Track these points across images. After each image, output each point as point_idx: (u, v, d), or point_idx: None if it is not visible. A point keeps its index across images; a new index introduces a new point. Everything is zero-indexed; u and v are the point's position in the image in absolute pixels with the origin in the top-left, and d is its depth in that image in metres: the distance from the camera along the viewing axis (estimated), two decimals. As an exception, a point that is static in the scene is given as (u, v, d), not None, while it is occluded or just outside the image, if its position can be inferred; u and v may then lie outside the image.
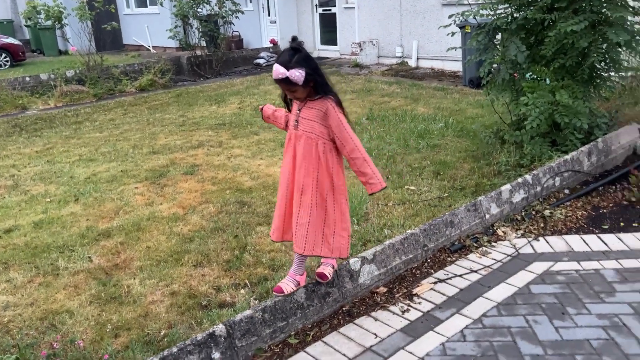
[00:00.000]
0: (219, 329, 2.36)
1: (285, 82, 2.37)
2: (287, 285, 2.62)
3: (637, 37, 4.33)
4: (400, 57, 11.39)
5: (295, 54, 2.35)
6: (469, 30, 7.94)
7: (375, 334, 2.55)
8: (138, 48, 17.36)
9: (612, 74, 4.86)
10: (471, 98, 7.43)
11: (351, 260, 2.92)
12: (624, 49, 4.47)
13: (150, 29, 16.70)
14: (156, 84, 10.59)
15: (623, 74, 5.00)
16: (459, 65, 9.09)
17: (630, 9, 4.49)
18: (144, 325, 2.74)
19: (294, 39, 2.40)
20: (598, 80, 4.79)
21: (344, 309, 2.76)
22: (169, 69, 11.14)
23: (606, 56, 4.52)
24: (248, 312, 2.49)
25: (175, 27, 12.23)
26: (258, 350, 2.45)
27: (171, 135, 6.65)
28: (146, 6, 17.30)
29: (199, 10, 12.00)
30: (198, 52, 12.42)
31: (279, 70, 2.33)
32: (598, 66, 4.67)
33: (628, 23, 4.45)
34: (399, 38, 11.36)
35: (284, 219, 2.62)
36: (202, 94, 9.59)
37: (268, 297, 2.69)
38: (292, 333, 2.57)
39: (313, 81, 2.39)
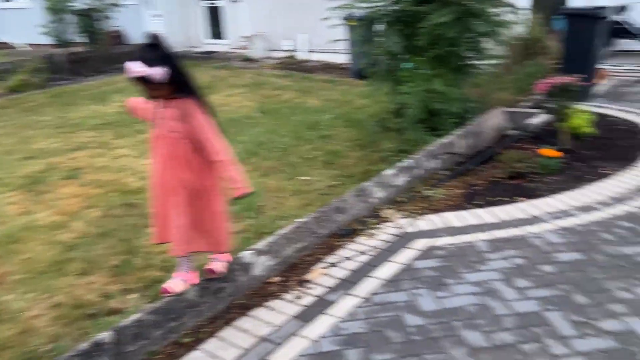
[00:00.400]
0: (106, 335, 2.27)
1: (144, 81, 2.24)
2: (174, 285, 2.57)
3: (497, 28, 4.75)
4: (291, 50, 11.49)
5: (155, 50, 2.25)
6: (355, 23, 8.20)
7: (270, 323, 2.59)
8: (5, 46, 15.86)
9: (481, 61, 5.29)
10: (358, 89, 7.68)
11: (245, 253, 2.94)
12: (488, 38, 4.88)
13: (20, 24, 15.31)
14: (30, 84, 9.74)
15: (491, 61, 5.47)
16: (347, 57, 9.35)
17: (492, 2, 4.91)
18: (25, 342, 2.55)
19: (152, 34, 2.28)
20: (468, 68, 5.19)
21: (238, 302, 2.77)
22: (44, 68, 10.31)
23: (473, 46, 4.92)
24: (137, 315, 2.41)
25: (52, 22, 11.33)
26: (150, 353, 2.39)
27: (49, 138, 6.19)
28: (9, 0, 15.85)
29: (74, 4, 11.22)
30: (76, 49, 11.61)
31: (135, 68, 2.19)
32: (467, 55, 5.05)
33: (491, 14, 4.85)
34: (288, 31, 11.44)
35: (160, 221, 2.54)
36: (82, 93, 9.00)
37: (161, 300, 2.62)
38: (186, 332, 2.54)
39: (174, 80, 2.29)
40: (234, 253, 2.92)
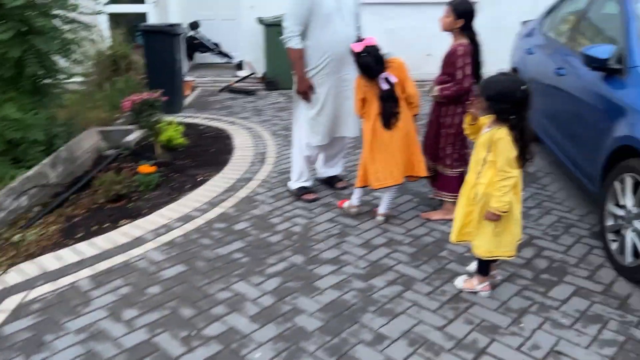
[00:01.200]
0: None
1: None
2: None
3: (69, 45, 4.48)
4: None
5: None
6: None
7: None
8: None
9: (63, 81, 4.91)
10: None
11: None
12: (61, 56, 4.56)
13: None
14: None
15: (75, 79, 5.14)
16: None
17: (61, 18, 4.57)
18: None
19: None
20: (48, 89, 4.73)
21: None
22: None
23: (46, 64, 4.49)
24: None
25: None
26: None
27: None
28: None
29: None
30: None
31: None
32: (43, 75, 4.58)
33: (59, 31, 4.52)
34: None
35: None
36: None
37: None
38: None
39: None
40: None
